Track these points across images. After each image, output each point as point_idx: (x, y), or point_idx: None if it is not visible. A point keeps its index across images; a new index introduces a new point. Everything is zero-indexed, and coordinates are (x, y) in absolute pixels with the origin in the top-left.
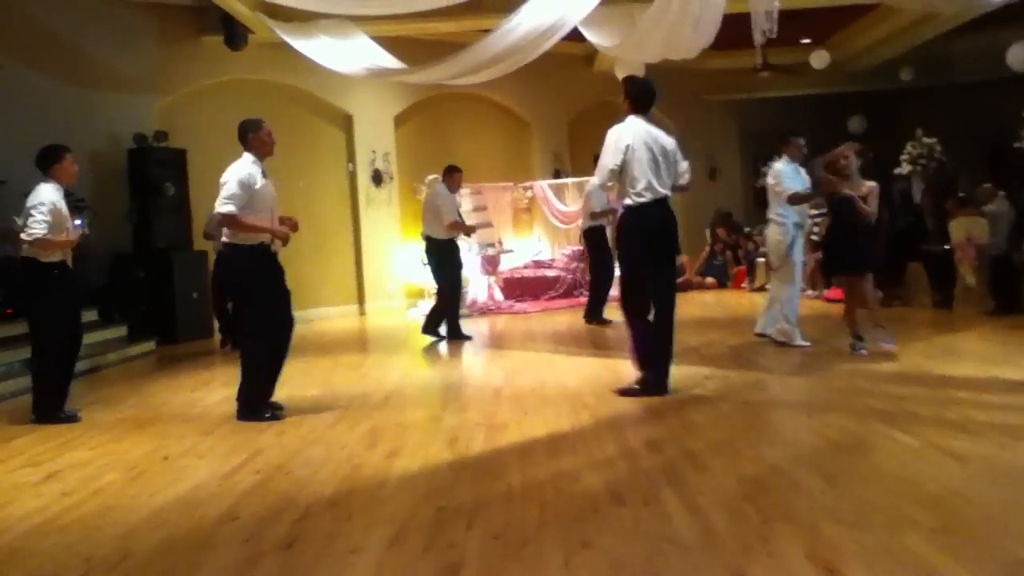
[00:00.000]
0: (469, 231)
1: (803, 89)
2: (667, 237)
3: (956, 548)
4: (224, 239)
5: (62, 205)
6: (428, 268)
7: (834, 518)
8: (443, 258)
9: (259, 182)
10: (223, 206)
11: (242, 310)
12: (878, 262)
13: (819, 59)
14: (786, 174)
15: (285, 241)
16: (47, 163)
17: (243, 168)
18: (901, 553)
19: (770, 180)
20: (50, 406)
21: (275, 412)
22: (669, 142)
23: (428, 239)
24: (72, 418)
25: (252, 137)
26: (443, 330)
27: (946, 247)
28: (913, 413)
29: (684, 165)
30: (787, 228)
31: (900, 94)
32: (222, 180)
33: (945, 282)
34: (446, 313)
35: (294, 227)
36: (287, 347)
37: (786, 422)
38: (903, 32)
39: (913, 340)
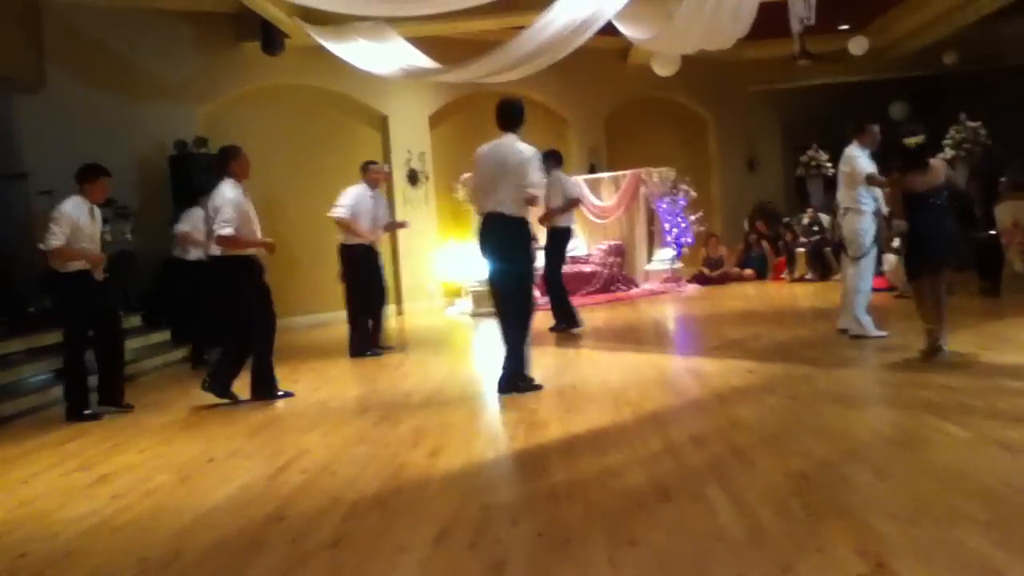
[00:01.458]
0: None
1: (843, 76)
2: (484, 250)
3: (1011, 542)
4: (215, 254)
5: (84, 220)
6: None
7: (885, 513)
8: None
9: (245, 203)
10: (223, 229)
11: (232, 315)
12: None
13: (858, 45)
14: (860, 159)
15: (272, 251)
16: (82, 179)
17: (233, 193)
18: (954, 547)
19: (844, 167)
20: (73, 404)
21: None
22: (515, 159)
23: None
24: (94, 416)
25: (234, 164)
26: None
27: (992, 232)
28: (964, 404)
29: (530, 179)
30: (868, 216)
31: (943, 79)
32: (216, 205)
33: (992, 268)
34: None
35: (271, 248)
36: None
37: (834, 416)
38: (945, 16)
39: (961, 329)
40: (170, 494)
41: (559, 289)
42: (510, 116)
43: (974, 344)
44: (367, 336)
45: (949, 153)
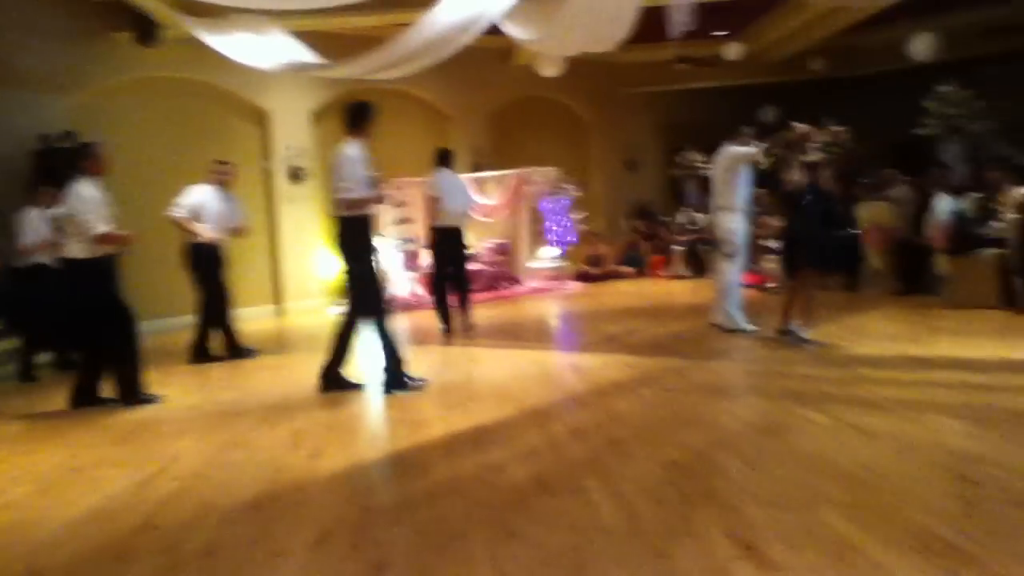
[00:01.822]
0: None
1: (718, 81)
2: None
3: (868, 522)
4: (74, 256)
5: None
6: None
7: (753, 498)
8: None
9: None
10: (97, 227)
11: (89, 319)
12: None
13: (732, 51)
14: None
15: (129, 244)
16: None
17: (91, 192)
18: (818, 529)
19: (718, 168)
20: None
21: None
22: (336, 160)
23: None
24: None
25: (89, 161)
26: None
27: (853, 231)
28: (825, 393)
29: (343, 180)
30: (739, 215)
31: (810, 85)
32: (75, 206)
33: (853, 265)
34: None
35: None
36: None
37: (706, 407)
38: (810, 25)
39: (823, 321)
40: (29, 506)
41: (438, 290)
42: (348, 118)
43: (835, 336)
44: (205, 341)
45: (816, 156)
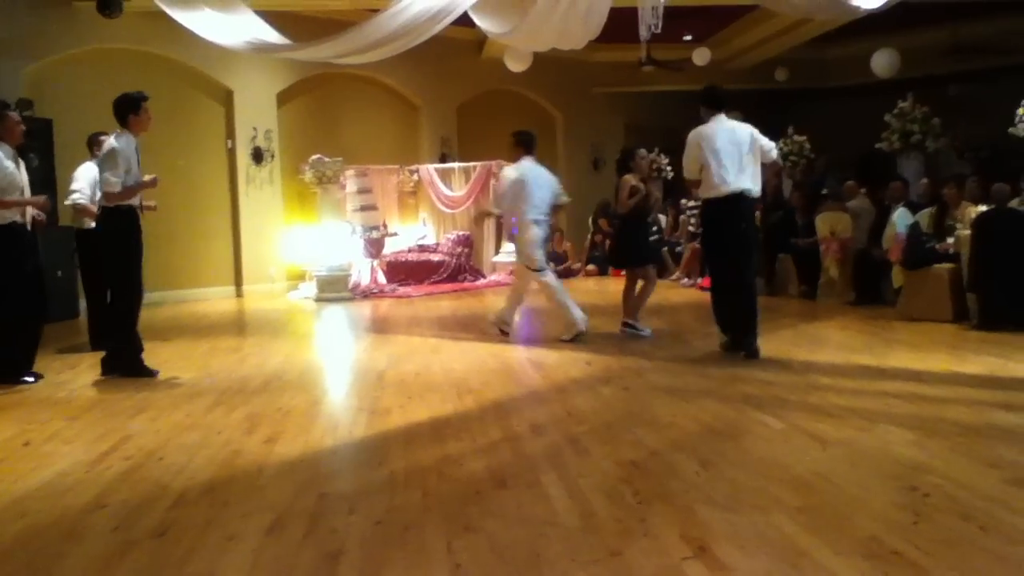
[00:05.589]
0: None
1: (684, 85)
2: None
3: (818, 526)
4: None
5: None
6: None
7: (707, 500)
8: None
9: (9, 169)
10: None
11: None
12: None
13: (701, 56)
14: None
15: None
16: None
17: None
18: (769, 532)
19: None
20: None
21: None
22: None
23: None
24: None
25: (1, 126)
26: None
27: (813, 240)
28: (780, 398)
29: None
30: (536, 228)
31: (776, 94)
32: None
33: (811, 274)
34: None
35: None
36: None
37: (664, 407)
38: (779, 35)
39: (780, 329)
40: None
41: None
42: (114, 111)
43: (791, 343)
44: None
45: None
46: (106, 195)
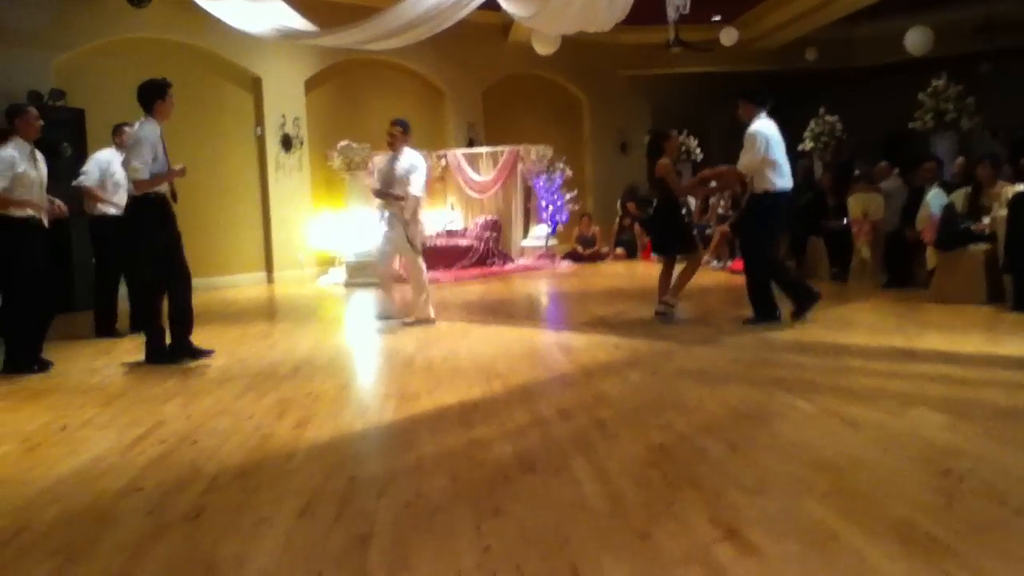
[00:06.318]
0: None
1: (713, 66)
2: None
3: (849, 510)
4: None
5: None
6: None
7: (736, 484)
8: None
9: (21, 166)
10: None
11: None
12: None
13: (728, 36)
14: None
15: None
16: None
17: (8, 152)
18: (798, 516)
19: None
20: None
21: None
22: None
23: None
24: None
25: (19, 121)
26: None
27: (844, 222)
28: (811, 381)
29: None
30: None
31: (805, 74)
32: None
33: (842, 256)
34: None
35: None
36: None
37: (692, 391)
38: (806, 15)
39: (813, 311)
40: (14, 465)
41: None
42: (139, 97)
43: (821, 326)
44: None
45: (809, 144)
46: (134, 183)
